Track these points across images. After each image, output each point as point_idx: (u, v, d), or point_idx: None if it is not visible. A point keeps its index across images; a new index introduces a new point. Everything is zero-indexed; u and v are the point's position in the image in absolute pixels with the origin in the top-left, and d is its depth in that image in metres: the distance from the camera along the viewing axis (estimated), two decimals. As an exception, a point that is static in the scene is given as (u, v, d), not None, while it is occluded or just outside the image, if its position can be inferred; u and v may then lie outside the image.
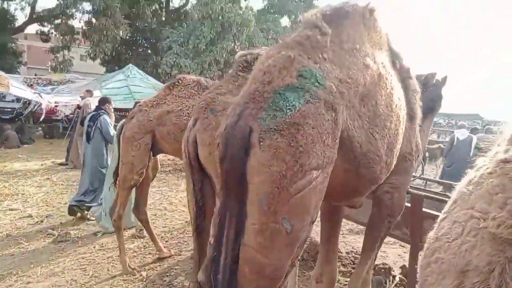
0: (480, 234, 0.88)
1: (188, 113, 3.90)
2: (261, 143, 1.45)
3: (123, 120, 4.40)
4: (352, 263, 4.31)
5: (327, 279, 2.54)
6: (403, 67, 2.24)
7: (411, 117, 2.22)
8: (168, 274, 4.12)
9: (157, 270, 4.26)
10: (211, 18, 19.36)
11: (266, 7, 24.67)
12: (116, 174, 4.26)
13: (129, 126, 3.99)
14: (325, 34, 1.74)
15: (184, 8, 24.78)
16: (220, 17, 19.40)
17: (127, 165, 4.00)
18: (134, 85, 15.91)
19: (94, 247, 4.83)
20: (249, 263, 1.50)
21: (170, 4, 25.16)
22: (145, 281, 3.97)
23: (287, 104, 1.48)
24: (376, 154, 1.81)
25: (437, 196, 3.52)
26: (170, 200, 7.27)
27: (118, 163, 4.15)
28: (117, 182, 4.20)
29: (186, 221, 6.07)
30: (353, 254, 4.52)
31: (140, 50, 24.64)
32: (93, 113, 6.08)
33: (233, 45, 20.94)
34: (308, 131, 1.47)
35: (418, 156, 2.38)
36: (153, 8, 23.86)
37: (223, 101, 2.53)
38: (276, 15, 23.68)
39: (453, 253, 0.92)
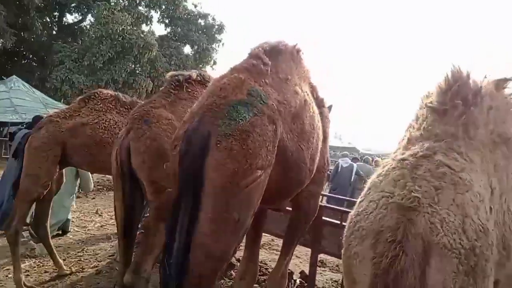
0: (389, 206, 1.33)
1: (104, 127, 3.92)
2: (218, 145, 1.76)
3: (22, 131, 4.17)
4: (262, 273, 4.71)
5: (249, 276, 2.88)
6: (319, 97, 2.77)
7: (324, 137, 2.71)
8: (72, 290, 3.95)
9: (58, 286, 4.03)
10: (111, 38, 18.83)
11: (169, 35, 24.93)
12: (16, 186, 3.97)
13: (38, 137, 3.81)
14: (266, 64, 2.19)
15: (80, 25, 23.62)
16: (121, 38, 19.00)
17: (31, 177, 3.78)
18: (18, 98, 14.48)
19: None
20: (201, 248, 1.75)
21: (64, 19, 23.67)
22: (45, 300, 3.76)
23: (239, 115, 1.83)
24: (302, 162, 2.25)
25: (333, 207, 4.24)
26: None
27: (19, 175, 3.90)
28: (18, 195, 3.92)
29: (82, 241, 5.81)
30: (263, 265, 4.90)
31: (23, 61, 22.43)
32: (26, 131, 5.47)
33: (133, 66, 20.54)
34: (256, 137, 1.82)
35: (327, 170, 2.95)
36: (44, 20, 22.10)
37: (157, 113, 2.73)
38: (179, 43, 24.04)
39: (371, 222, 1.36)
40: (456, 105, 1.60)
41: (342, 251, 1.53)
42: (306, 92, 2.46)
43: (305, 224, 2.84)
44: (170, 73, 3.23)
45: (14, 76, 15.91)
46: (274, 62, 2.28)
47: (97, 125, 3.94)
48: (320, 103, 2.77)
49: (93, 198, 9.32)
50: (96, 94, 4.22)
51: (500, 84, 1.78)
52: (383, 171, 1.51)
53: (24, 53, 22.32)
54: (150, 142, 2.60)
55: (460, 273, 1.23)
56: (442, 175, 1.36)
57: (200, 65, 25.29)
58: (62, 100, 17.73)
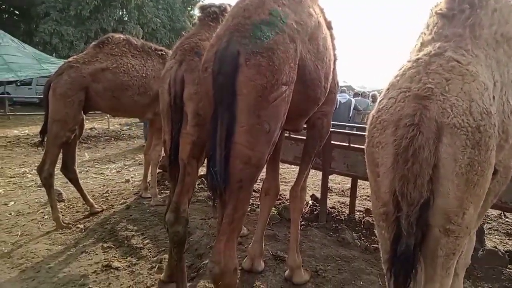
0: (407, 99, 1.55)
1: (123, 70, 4.07)
2: (247, 62, 1.92)
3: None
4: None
5: (273, 192, 3.24)
6: (327, 19, 2.88)
7: (334, 60, 2.88)
8: (108, 222, 4.29)
9: (94, 222, 4.40)
10: (94, -16, 18.04)
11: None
12: (43, 132, 4.20)
13: (61, 83, 3.95)
14: None
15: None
16: (105, -17, 18.23)
17: (59, 122, 3.98)
18: (9, 55, 14.08)
19: (10, 214, 4.67)
20: (239, 156, 1.98)
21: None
22: (84, 232, 4.13)
23: (263, 34, 1.98)
24: (318, 80, 2.44)
25: (340, 130, 4.53)
26: (80, 169, 7.11)
27: (46, 121, 4.11)
28: (46, 140, 4.16)
29: (104, 185, 6.17)
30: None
31: (5, 16, 21.54)
32: None
33: (121, 13, 19.90)
34: (280, 54, 1.99)
35: (338, 91, 3.15)
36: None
37: (205, 45, 2.74)
38: (165, -15, 23.04)
39: (391, 114, 1.59)
40: (463, 9, 1.78)
41: (365, 145, 1.78)
42: (318, 13, 2.59)
43: (320, 142, 3.07)
44: (200, 5, 3.28)
45: (1, 31, 15.22)
46: None
47: (116, 69, 4.10)
48: (328, 25, 2.89)
49: (103, 148, 9.63)
50: (109, 39, 4.32)
51: (503, -12, 1.93)
52: (400, 72, 1.72)
53: (4, 6, 21.37)
54: None
55: (467, 146, 1.49)
56: (451, 68, 1.57)
57: (189, 8, 24.47)
58: (53, 54, 17.38)
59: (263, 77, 1.95)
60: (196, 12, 3.51)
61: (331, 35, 2.86)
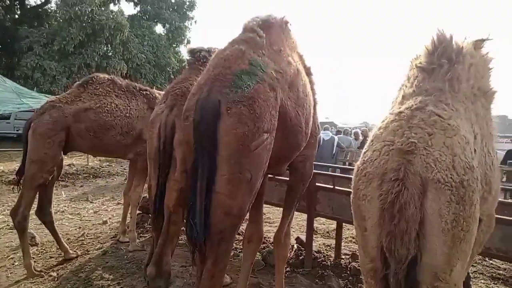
0: (391, 153, 1.55)
1: (107, 110, 4.03)
2: (229, 111, 1.93)
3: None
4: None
5: (256, 238, 3.13)
6: (306, 66, 2.93)
7: (314, 104, 2.91)
8: (82, 270, 4.05)
9: (68, 269, 4.16)
10: (80, 20, 18.23)
11: (139, 14, 24.29)
12: (20, 173, 4.04)
13: (42, 123, 3.85)
14: (261, 36, 2.36)
15: (44, 7, 22.57)
16: (90, 20, 18.42)
17: (37, 163, 3.84)
18: (-10, 90, 13.83)
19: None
20: (220, 206, 1.94)
21: (26, 1, 22.52)
22: (57, 281, 3.88)
23: (244, 84, 2.00)
24: (299, 126, 2.46)
25: (325, 173, 4.51)
26: (56, 209, 6.84)
27: (24, 162, 3.96)
28: (23, 181, 3.99)
29: (80, 227, 5.91)
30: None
31: (-15, 50, 21.39)
32: None
33: (105, 49, 20.05)
34: (261, 102, 2.01)
35: (319, 134, 3.16)
36: (5, 4, 21.01)
37: None
38: (150, 22, 23.51)
39: (376, 167, 1.58)
40: (442, 64, 1.83)
41: (351, 196, 1.76)
42: (297, 61, 2.64)
43: (302, 186, 3.05)
44: (190, 48, 3.32)
45: (-19, 66, 15.06)
46: (267, 35, 2.43)
47: (100, 109, 4.06)
48: (308, 71, 2.94)
49: (81, 186, 9.35)
50: (93, 78, 4.30)
51: (477, 44, 2.02)
52: (382, 124, 1.73)
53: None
54: None
55: (452, 202, 1.48)
56: (433, 122, 1.59)
57: (174, 45, 24.92)
58: (35, 89, 17.19)
59: (245, 126, 1.95)
60: (186, 56, 3.55)
61: (311, 81, 2.91)
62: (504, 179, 11.19)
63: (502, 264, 4.79)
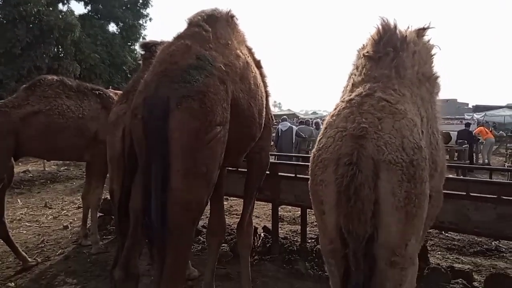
0: (344, 138, 1.62)
1: (58, 112, 3.87)
2: (179, 106, 1.92)
3: None
4: (228, 234, 4.96)
5: (220, 230, 3.17)
6: (255, 59, 2.96)
7: (266, 96, 2.96)
8: (43, 277, 3.91)
9: (28, 277, 3.98)
10: (26, 21, 17.24)
11: (90, 13, 23.32)
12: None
13: None
14: (207, 31, 2.36)
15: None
16: (37, 20, 17.47)
17: None
18: None
19: None
20: (178, 202, 1.94)
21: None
22: (16, 291, 3.73)
23: (193, 78, 2.00)
24: (252, 117, 2.51)
25: (287, 162, 4.61)
26: (12, 218, 6.50)
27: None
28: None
29: (39, 234, 5.67)
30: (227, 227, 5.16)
31: None
32: None
33: (56, 50, 19.10)
34: (211, 96, 2.01)
35: (272, 125, 3.21)
36: None
37: None
38: (103, 21, 22.64)
39: (330, 152, 1.65)
40: (388, 52, 1.93)
41: (309, 182, 1.82)
42: (246, 54, 2.67)
43: (260, 176, 3.10)
44: (142, 42, 3.22)
45: None
46: (213, 29, 2.44)
47: (50, 112, 3.90)
48: (258, 64, 2.98)
49: (38, 192, 8.93)
50: (41, 80, 4.13)
51: (420, 32, 2.14)
52: (335, 111, 1.80)
53: None
54: None
55: (404, 180, 1.57)
56: (382, 107, 1.68)
57: (129, 43, 24.18)
58: (-20, 95, 16.11)
59: (196, 120, 1.96)
60: (139, 50, 3.47)
61: (262, 74, 2.95)
62: (456, 158, 11.88)
63: (456, 235, 5.14)
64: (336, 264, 1.69)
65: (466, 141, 13.25)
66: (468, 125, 15.49)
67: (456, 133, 13.91)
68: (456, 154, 13.19)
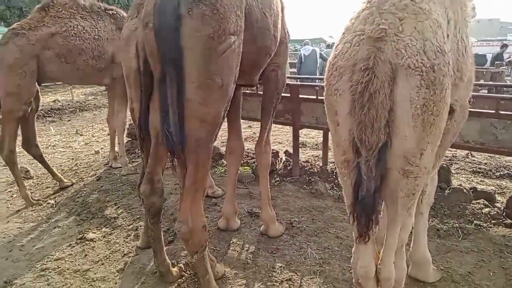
0: (361, 42, 1.51)
1: (74, 33, 3.82)
2: (190, 12, 1.81)
3: None
4: (250, 158, 5.10)
5: (238, 150, 3.22)
6: None
7: (282, 8, 2.78)
8: (79, 195, 4.20)
9: (65, 196, 4.31)
10: None
11: None
12: (-5, 106, 3.92)
13: (7, 53, 3.65)
14: None
15: None
16: None
17: (12, 96, 3.73)
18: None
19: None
20: (194, 114, 1.92)
21: None
22: (55, 207, 4.03)
23: None
24: (267, 28, 2.38)
25: (308, 83, 4.49)
26: (46, 144, 6.86)
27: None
28: (1, 116, 3.91)
29: (72, 158, 5.99)
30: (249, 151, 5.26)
31: None
32: None
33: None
34: (224, 2, 1.88)
35: (289, 41, 3.05)
36: None
37: None
38: None
39: (346, 59, 1.55)
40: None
41: (324, 92, 1.75)
42: None
43: (277, 95, 3.02)
44: None
45: None
46: None
47: (66, 33, 3.83)
48: None
49: (69, 120, 9.28)
50: (53, 1, 3.99)
51: None
52: (355, 15, 1.66)
53: None
54: None
55: (422, 87, 1.48)
56: (404, 6, 1.53)
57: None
58: (1, 23, 16.16)
59: (209, 27, 1.85)
60: None
61: None
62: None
63: (483, 159, 5.03)
64: (348, 173, 1.67)
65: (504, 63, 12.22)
66: (505, 46, 13.76)
67: (490, 55, 12.85)
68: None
